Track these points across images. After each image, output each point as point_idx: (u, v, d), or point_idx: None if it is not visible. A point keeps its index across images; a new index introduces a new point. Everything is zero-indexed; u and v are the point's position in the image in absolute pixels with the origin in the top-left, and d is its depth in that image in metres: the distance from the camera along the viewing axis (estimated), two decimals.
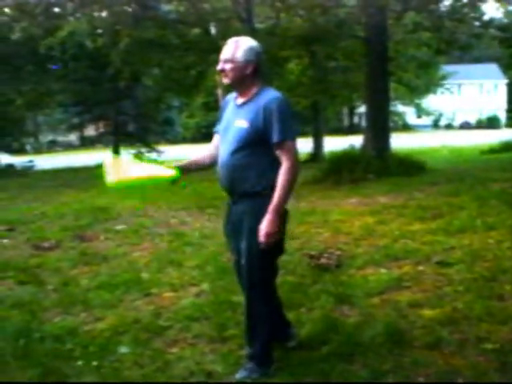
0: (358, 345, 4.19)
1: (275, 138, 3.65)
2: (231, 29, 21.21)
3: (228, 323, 4.81)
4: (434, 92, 52.64)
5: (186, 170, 4.09)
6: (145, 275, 6.50)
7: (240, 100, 3.86)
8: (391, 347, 4.13)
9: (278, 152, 3.69)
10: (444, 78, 51.32)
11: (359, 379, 3.71)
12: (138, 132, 33.11)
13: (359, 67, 21.38)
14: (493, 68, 67.18)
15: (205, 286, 5.98)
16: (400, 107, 53.46)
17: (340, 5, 17.66)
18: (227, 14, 20.73)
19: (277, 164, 3.70)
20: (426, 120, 61.07)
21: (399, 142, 18.84)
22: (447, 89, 53.04)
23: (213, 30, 22.18)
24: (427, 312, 4.85)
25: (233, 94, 3.99)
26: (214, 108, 57.14)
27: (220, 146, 3.96)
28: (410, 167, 14.84)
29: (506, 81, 67.03)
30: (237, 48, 3.74)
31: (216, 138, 4.11)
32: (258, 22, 21.22)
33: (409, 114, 57.99)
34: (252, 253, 3.77)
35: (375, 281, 5.75)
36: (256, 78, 3.79)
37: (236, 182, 3.82)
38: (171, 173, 3.96)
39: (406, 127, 56.09)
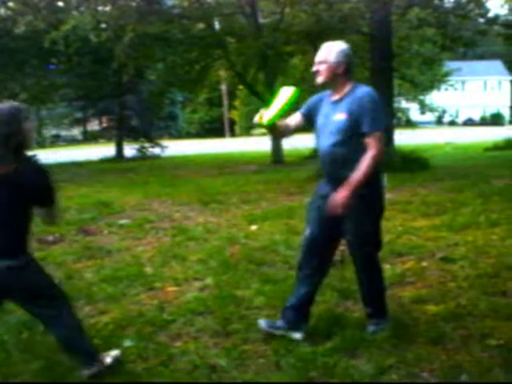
0: (361, 340, 4.19)
1: (366, 128, 4.09)
2: (235, 24, 21.22)
3: (231, 317, 4.82)
4: (438, 88, 52.49)
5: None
6: (148, 269, 6.51)
7: (335, 97, 4.28)
8: (395, 342, 4.12)
9: (367, 140, 4.10)
10: (448, 74, 51.16)
11: (363, 374, 3.71)
12: (142, 127, 33.00)
13: (363, 63, 21.33)
14: (497, 65, 67.06)
15: (208, 280, 5.98)
16: (404, 103, 53.28)
17: (344, 0, 17.61)
18: (231, 8, 20.71)
19: None
20: (430, 116, 60.83)
21: (403, 138, 18.79)
22: (451, 85, 52.90)
23: (217, 25, 22.16)
24: (431, 308, 4.86)
25: (326, 92, 4.40)
26: (217, 103, 57.33)
27: (319, 139, 4.38)
28: (414, 163, 14.84)
29: (510, 78, 66.99)
30: (329, 51, 4.21)
31: (297, 116, 4.52)
32: (262, 16, 21.19)
33: (412, 110, 57.76)
34: (361, 230, 4.25)
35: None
36: (347, 76, 4.25)
37: (339, 169, 4.18)
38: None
39: (410, 123, 55.82)
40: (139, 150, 30.99)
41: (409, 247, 6.86)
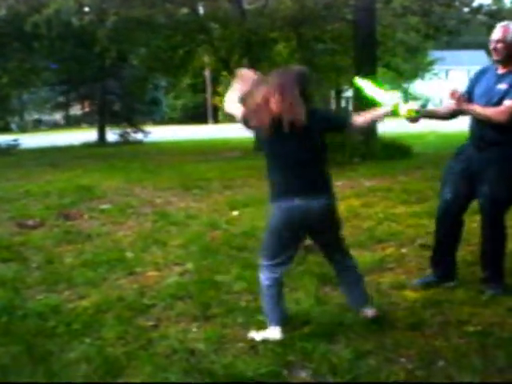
0: (340, 325, 4.21)
1: (510, 96, 4.51)
2: (219, 9, 21.10)
3: (211, 302, 4.83)
4: (422, 77, 52.58)
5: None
6: (129, 254, 6.50)
7: (502, 70, 4.70)
8: (373, 328, 4.14)
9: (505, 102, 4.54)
10: (432, 63, 51.26)
11: (341, 359, 3.72)
12: (124, 111, 32.72)
13: (347, 50, 21.32)
14: (481, 54, 67.14)
15: (189, 265, 5.98)
16: None
17: None
18: None
19: None
20: (414, 105, 60.87)
21: (386, 126, 18.81)
22: (435, 74, 53.01)
23: (201, 10, 22.04)
24: (410, 294, 4.89)
25: (491, 66, 4.90)
26: (200, 89, 57.07)
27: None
28: (396, 151, 14.89)
29: None
30: (506, 31, 4.59)
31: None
32: (246, 2, 21.10)
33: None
34: (495, 194, 4.66)
35: (359, 262, 5.71)
36: None
37: (489, 131, 4.65)
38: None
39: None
40: (121, 135, 30.77)
41: (389, 234, 6.89)
